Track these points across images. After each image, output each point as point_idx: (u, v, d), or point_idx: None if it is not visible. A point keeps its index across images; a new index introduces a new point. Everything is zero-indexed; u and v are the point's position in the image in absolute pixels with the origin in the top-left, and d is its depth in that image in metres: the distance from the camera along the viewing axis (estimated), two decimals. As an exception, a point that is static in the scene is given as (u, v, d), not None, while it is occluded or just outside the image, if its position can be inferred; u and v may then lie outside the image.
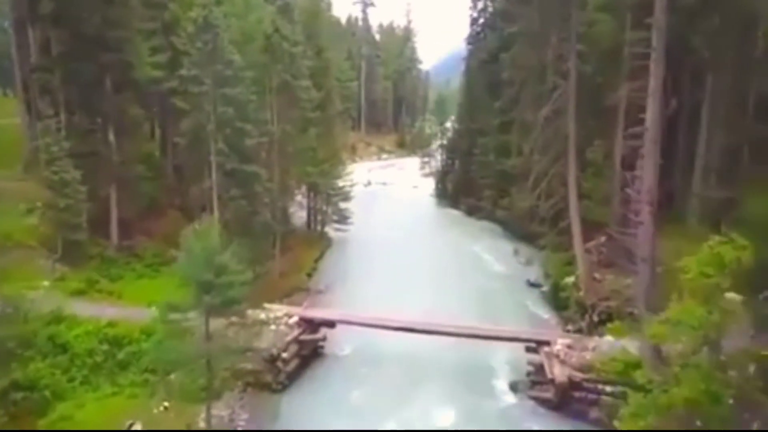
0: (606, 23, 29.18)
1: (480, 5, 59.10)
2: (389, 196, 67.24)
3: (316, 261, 40.09)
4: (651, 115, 16.97)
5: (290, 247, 37.97)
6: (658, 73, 16.69)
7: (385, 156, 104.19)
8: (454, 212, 58.09)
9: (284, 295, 32.33)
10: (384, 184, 74.69)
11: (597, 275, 29.05)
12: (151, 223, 35.60)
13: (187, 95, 29.03)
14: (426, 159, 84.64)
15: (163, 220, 36.35)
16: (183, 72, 28.70)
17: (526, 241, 41.14)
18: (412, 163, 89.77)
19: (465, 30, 61.58)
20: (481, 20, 59.15)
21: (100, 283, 28.21)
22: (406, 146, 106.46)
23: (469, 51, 61.55)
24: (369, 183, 72.45)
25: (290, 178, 38.32)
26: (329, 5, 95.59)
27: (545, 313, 31.38)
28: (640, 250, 17.92)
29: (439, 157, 75.81)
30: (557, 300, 31.50)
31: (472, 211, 54.90)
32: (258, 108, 31.85)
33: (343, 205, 46.44)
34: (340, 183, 46.73)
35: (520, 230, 42.67)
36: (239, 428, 20.29)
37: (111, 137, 32.48)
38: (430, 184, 69.93)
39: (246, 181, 27.48)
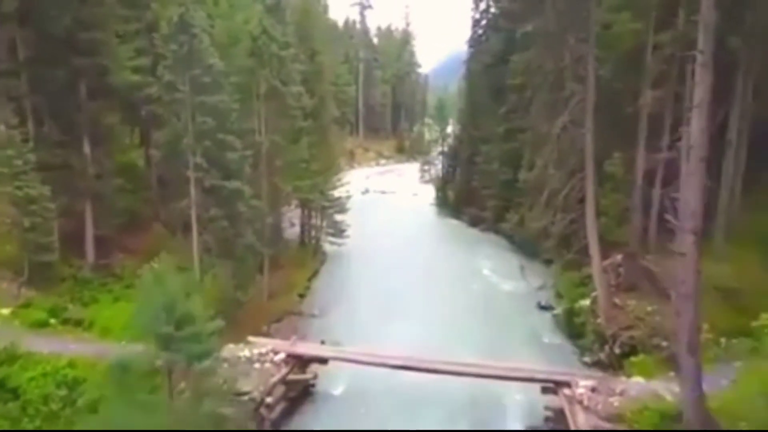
0: (624, 23, 26.55)
1: (482, 6, 56.64)
2: (388, 204, 64.66)
3: (310, 280, 37.43)
4: (697, 128, 14.32)
5: (281, 265, 35.27)
6: (705, 79, 14.05)
7: (383, 162, 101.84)
8: (456, 223, 55.65)
9: (273, 320, 29.86)
10: (382, 192, 72.05)
11: (617, 300, 26.41)
12: (132, 239, 32.92)
13: (162, 103, 26.31)
14: (426, 166, 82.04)
15: (145, 236, 33.73)
16: (159, 77, 25.98)
17: (533, 256, 38.78)
18: (412, 169, 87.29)
19: (465, 32, 59.36)
20: (484, 22, 56.71)
21: (68, 311, 25.43)
22: (405, 151, 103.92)
23: (470, 54, 59.03)
24: (367, 191, 69.93)
25: (281, 192, 35.51)
26: (326, 8, 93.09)
27: (557, 339, 29.02)
28: (682, 285, 15.23)
29: (439, 164, 73.25)
30: (571, 326, 29.00)
31: (474, 222, 52.39)
32: (243, 117, 29.12)
33: (339, 217, 43.84)
34: (336, 194, 44.15)
35: (526, 245, 40.13)
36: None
37: (86, 148, 29.79)
38: (430, 191, 67.39)
39: (228, 200, 24.63)
